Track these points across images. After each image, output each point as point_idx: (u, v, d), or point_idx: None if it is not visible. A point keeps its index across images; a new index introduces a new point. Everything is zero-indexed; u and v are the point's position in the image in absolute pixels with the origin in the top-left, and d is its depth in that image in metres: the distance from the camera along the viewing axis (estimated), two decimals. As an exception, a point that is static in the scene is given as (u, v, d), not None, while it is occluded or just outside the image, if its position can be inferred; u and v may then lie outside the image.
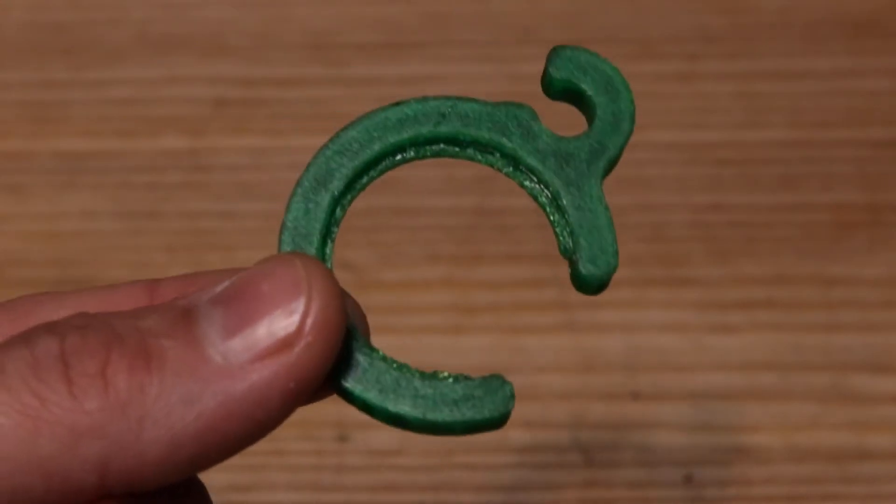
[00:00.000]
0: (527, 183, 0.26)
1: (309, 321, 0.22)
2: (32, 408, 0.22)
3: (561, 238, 0.25)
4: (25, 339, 0.22)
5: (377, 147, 0.26)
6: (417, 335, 0.45)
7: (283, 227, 0.25)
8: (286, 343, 0.22)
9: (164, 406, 0.22)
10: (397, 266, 0.46)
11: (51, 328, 0.23)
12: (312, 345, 0.22)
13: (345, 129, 0.26)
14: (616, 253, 0.25)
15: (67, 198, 0.49)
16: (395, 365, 0.25)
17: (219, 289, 0.23)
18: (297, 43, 0.53)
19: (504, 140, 0.26)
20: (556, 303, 0.46)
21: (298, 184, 0.25)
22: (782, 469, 0.42)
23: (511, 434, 0.43)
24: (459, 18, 0.54)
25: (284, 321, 0.22)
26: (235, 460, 0.34)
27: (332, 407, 0.42)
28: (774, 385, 0.44)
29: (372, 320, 0.44)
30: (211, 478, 0.35)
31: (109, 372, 0.22)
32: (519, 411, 0.45)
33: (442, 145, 0.26)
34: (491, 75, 0.52)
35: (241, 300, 0.23)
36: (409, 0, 0.54)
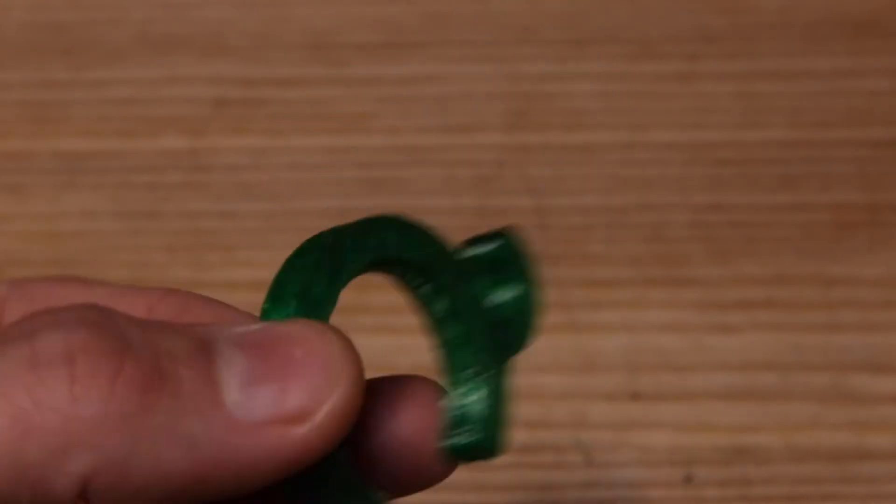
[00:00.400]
0: (447, 334, 0.26)
1: (329, 405, 0.21)
2: (24, 411, 0.20)
3: (453, 394, 0.25)
4: (28, 332, 0.21)
5: (378, 254, 0.25)
6: (417, 335, 0.45)
7: (291, 286, 0.23)
8: (300, 417, 0.21)
9: (164, 436, 0.21)
10: (397, 266, 0.46)
11: (57, 321, 0.21)
12: (323, 428, 0.21)
13: (379, 216, 0.25)
14: (502, 444, 0.25)
15: (67, 198, 0.49)
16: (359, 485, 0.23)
17: (241, 330, 0.22)
18: (297, 43, 0.53)
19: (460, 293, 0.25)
20: (556, 303, 0.46)
21: (322, 248, 0.24)
22: (782, 469, 0.42)
23: (511, 434, 0.43)
24: (459, 18, 0.54)
25: (306, 394, 0.21)
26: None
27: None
28: (774, 385, 0.44)
29: (372, 320, 0.45)
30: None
31: (119, 382, 0.20)
32: (519, 411, 0.45)
33: (399, 268, 0.25)
34: (491, 75, 0.52)
35: (268, 354, 0.21)
36: (409, 0, 0.54)
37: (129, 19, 0.54)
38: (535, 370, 0.44)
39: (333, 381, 0.21)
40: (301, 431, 0.21)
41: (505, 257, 0.26)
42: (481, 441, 0.24)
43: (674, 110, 0.51)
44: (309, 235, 0.25)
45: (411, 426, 0.24)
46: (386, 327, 0.44)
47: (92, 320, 0.21)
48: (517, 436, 0.43)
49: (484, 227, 0.48)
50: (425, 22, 0.54)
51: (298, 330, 0.22)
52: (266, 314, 0.23)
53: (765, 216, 0.48)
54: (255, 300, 0.26)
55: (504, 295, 0.26)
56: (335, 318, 0.23)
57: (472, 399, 0.25)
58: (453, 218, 0.48)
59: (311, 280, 0.23)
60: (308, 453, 0.21)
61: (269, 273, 0.31)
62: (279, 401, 0.21)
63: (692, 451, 0.43)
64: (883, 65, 0.52)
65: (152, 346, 0.21)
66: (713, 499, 0.42)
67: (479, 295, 0.25)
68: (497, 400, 0.25)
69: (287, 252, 0.24)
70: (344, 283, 0.24)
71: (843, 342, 0.45)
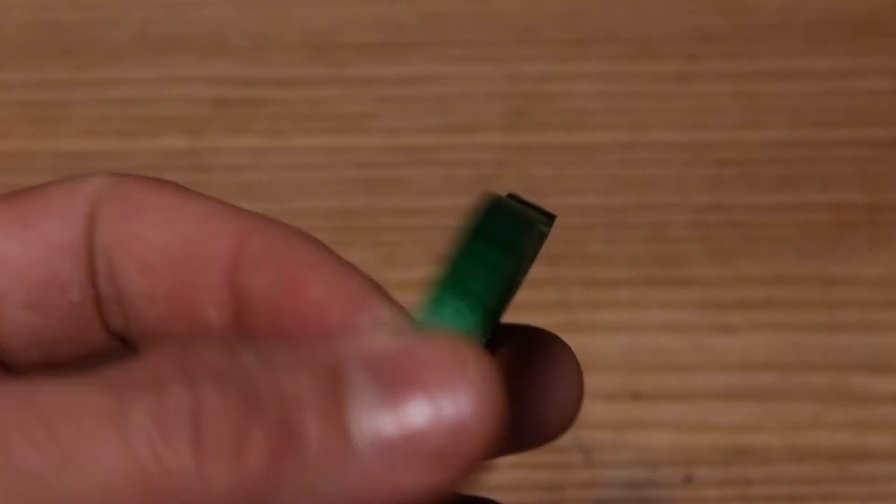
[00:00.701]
0: None
1: (471, 454, 0.19)
2: (149, 471, 0.19)
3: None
4: (156, 383, 0.19)
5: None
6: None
7: (479, 290, 0.20)
8: (438, 462, 0.19)
9: (293, 497, 0.19)
10: (398, 266, 0.46)
11: (185, 371, 0.20)
12: (459, 475, 0.19)
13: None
14: None
15: (67, 198, 0.49)
16: None
17: (378, 349, 0.20)
18: (297, 43, 0.53)
19: None
20: (556, 303, 0.46)
21: (506, 247, 0.21)
22: (782, 469, 0.42)
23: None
24: (459, 18, 0.54)
25: (449, 441, 0.19)
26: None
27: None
28: (774, 385, 0.44)
29: (372, 320, 0.44)
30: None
31: (248, 448, 0.19)
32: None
33: None
34: (491, 75, 0.52)
35: (407, 389, 0.19)
36: (409, 0, 0.54)
37: (129, 19, 0.54)
38: (535, 370, 0.44)
39: (480, 420, 0.19)
40: (442, 472, 0.19)
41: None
42: None
43: (674, 110, 0.51)
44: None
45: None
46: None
47: (218, 370, 0.19)
48: (517, 436, 0.43)
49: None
50: (425, 22, 0.54)
51: (450, 360, 0.20)
52: (438, 310, 0.20)
53: (765, 216, 0.48)
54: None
55: None
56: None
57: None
58: (453, 218, 0.48)
59: (495, 289, 0.21)
60: (435, 497, 0.20)
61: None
62: (417, 442, 0.19)
63: (692, 451, 0.43)
64: (883, 65, 0.52)
65: (279, 393, 0.19)
66: (713, 499, 0.42)
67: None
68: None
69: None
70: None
71: (843, 342, 0.45)
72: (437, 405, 0.19)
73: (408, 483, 0.19)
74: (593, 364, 0.44)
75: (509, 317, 0.27)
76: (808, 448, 0.43)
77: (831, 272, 0.46)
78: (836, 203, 0.48)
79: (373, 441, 0.19)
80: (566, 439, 0.44)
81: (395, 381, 0.19)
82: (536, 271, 0.47)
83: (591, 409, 0.43)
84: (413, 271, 0.46)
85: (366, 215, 0.48)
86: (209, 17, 0.54)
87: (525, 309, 0.46)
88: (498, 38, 0.53)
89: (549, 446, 0.43)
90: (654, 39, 0.53)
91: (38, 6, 0.54)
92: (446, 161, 0.49)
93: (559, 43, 0.53)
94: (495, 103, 0.51)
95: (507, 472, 0.42)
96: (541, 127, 0.51)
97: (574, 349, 0.47)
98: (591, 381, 0.46)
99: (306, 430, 0.19)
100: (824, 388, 0.44)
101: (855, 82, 0.52)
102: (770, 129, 0.50)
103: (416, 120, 0.51)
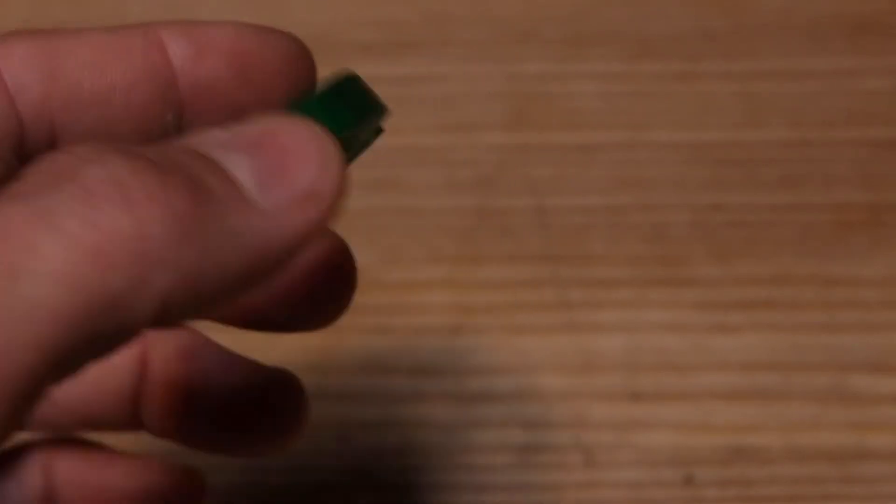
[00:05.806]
0: None
1: (332, 182, 0.23)
2: (92, 241, 0.20)
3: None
4: (69, 174, 0.21)
5: None
6: (417, 335, 0.45)
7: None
8: (312, 196, 0.23)
9: (221, 240, 0.21)
10: (397, 266, 0.46)
11: (90, 156, 0.22)
12: (332, 202, 0.23)
13: None
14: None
15: (67, 198, 0.49)
16: None
17: (230, 134, 0.23)
18: (297, 43, 0.53)
19: None
20: (556, 303, 0.46)
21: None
22: (782, 469, 0.42)
23: (511, 434, 0.43)
24: (459, 18, 0.54)
25: (312, 176, 0.23)
26: (235, 459, 0.34)
27: (332, 408, 0.42)
28: (774, 385, 0.44)
29: (372, 320, 0.45)
30: (213, 480, 0.35)
31: (174, 198, 0.21)
32: (519, 411, 0.45)
33: None
34: (491, 75, 0.52)
35: (267, 149, 0.23)
36: (409, 0, 0.54)
37: (129, 19, 0.54)
38: (535, 370, 0.44)
39: (329, 162, 0.23)
40: (317, 208, 0.23)
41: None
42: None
43: (674, 110, 0.51)
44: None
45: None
46: (386, 327, 0.44)
47: (120, 149, 0.22)
48: (517, 436, 0.43)
49: (484, 227, 0.48)
50: (425, 22, 0.53)
51: (285, 123, 0.23)
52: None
53: (765, 216, 0.48)
54: (255, 300, 0.26)
55: None
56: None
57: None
58: (453, 218, 0.48)
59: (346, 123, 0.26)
60: (322, 228, 0.23)
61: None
62: (292, 186, 0.23)
63: (692, 451, 0.43)
64: (883, 65, 0.52)
65: (175, 163, 0.22)
66: (713, 499, 0.42)
67: None
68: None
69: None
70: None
71: (843, 342, 0.45)
72: (297, 156, 0.23)
73: (294, 219, 0.23)
74: (593, 364, 0.44)
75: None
76: (808, 448, 0.43)
77: (831, 272, 0.46)
78: (836, 203, 0.48)
79: (258, 191, 0.23)
80: (566, 439, 0.44)
81: (256, 147, 0.23)
82: (536, 270, 0.47)
83: (591, 409, 0.43)
84: (412, 271, 0.46)
85: (364, 215, 0.48)
86: (209, 16, 0.54)
87: (525, 309, 0.46)
88: (498, 38, 0.53)
89: (550, 446, 0.43)
90: (654, 39, 0.53)
91: (38, 5, 0.54)
92: (446, 161, 0.49)
93: (559, 43, 0.53)
94: (495, 103, 0.51)
95: (507, 472, 0.42)
96: (541, 127, 0.51)
97: (574, 349, 0.47)
98: (591, 381, 0.46)
99: (209, 182, 0.22)
100: (824, 388, 0.44)
101: (855, 82, 0.52)
102: (770, 129, 0.50)
103: (416, 120, 0.51)
